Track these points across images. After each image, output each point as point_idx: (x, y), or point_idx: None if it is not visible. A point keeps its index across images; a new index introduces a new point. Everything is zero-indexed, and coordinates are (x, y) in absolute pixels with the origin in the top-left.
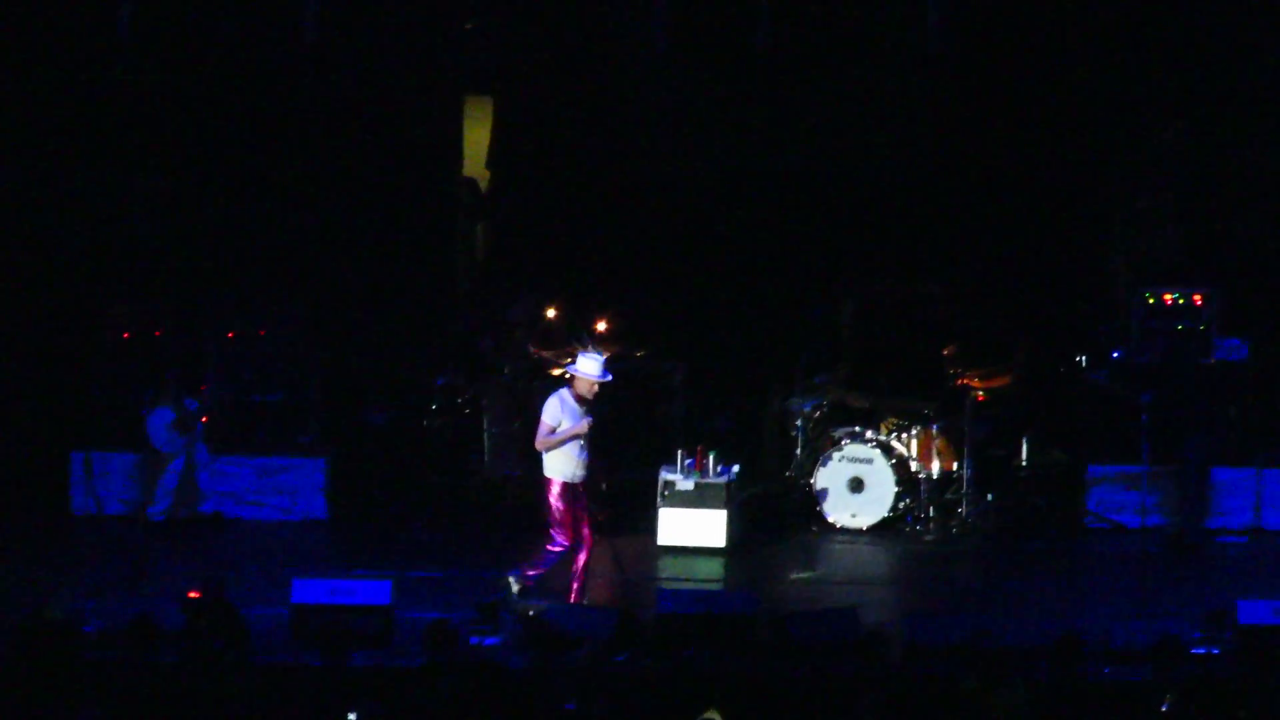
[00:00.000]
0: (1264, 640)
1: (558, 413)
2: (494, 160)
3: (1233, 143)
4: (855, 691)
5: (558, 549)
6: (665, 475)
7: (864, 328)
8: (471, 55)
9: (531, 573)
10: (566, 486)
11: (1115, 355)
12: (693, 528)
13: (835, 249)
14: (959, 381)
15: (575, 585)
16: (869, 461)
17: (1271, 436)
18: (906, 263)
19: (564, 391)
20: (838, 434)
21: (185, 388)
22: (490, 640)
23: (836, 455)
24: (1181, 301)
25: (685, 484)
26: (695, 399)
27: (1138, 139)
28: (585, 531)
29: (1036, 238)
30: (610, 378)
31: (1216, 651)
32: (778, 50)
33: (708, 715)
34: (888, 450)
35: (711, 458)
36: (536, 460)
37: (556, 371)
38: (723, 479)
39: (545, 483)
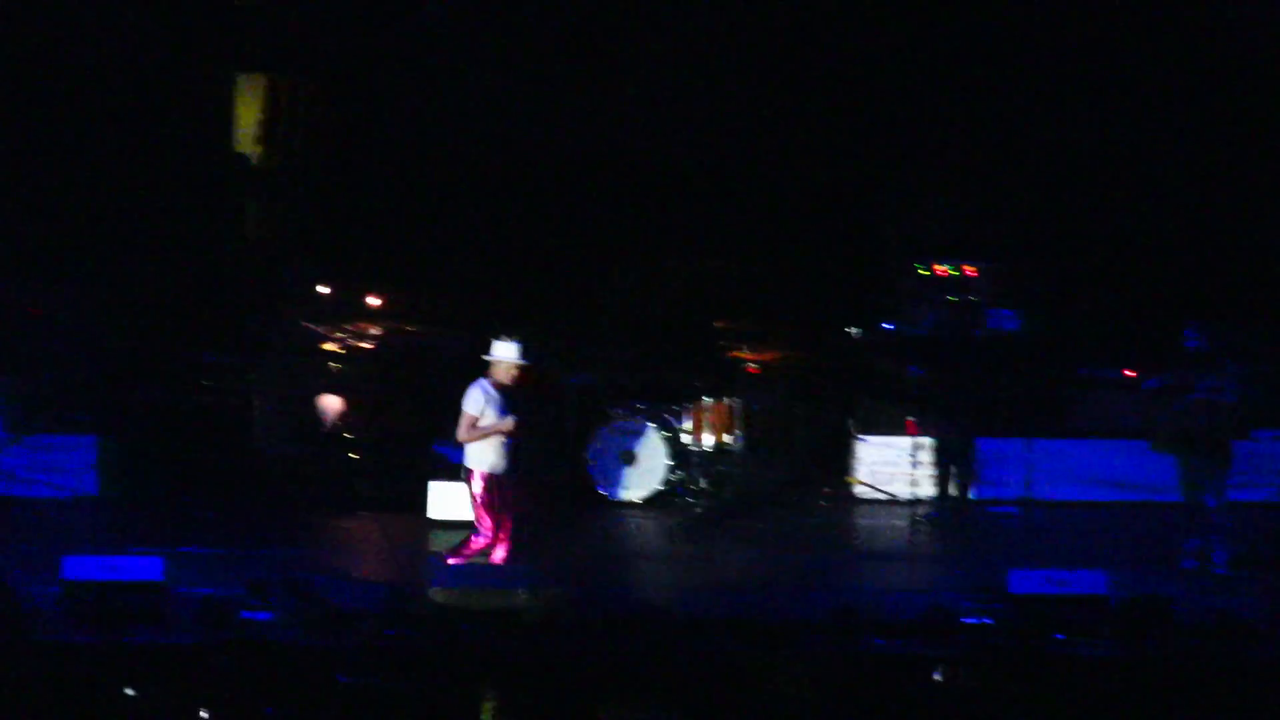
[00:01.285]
0: (1035, 609)
1: (481, 402)
2: (266, 136)
3: (1002, 114)
4: (632, 668)
5: (482, 541)
6: (438, 449)
7: (638, 302)
8: (243, 31)
9: (451, 560)
10: (489, 478)
11: (888, 327)
12: (464, 501)
13: (611, 225)
14: (732, 354)
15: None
16: (641, 434)
17: (1042, 407)
18: (680, 238)
19: (483, 380)
20: (611, 408)
21: None
22: (263, 616)
23: (609, 428)
24: (954, 273)
25: (457, 457)
26: (470, 373)
27: (908, 113)
28: (507, 525)
29: (809, 212)
30: (529, 361)
31: (988, 622)
32: (560, 27)
33: None
34: (660, 423)
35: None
36: (308, 437)
37: (328, 346)
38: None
39: (466, 474)
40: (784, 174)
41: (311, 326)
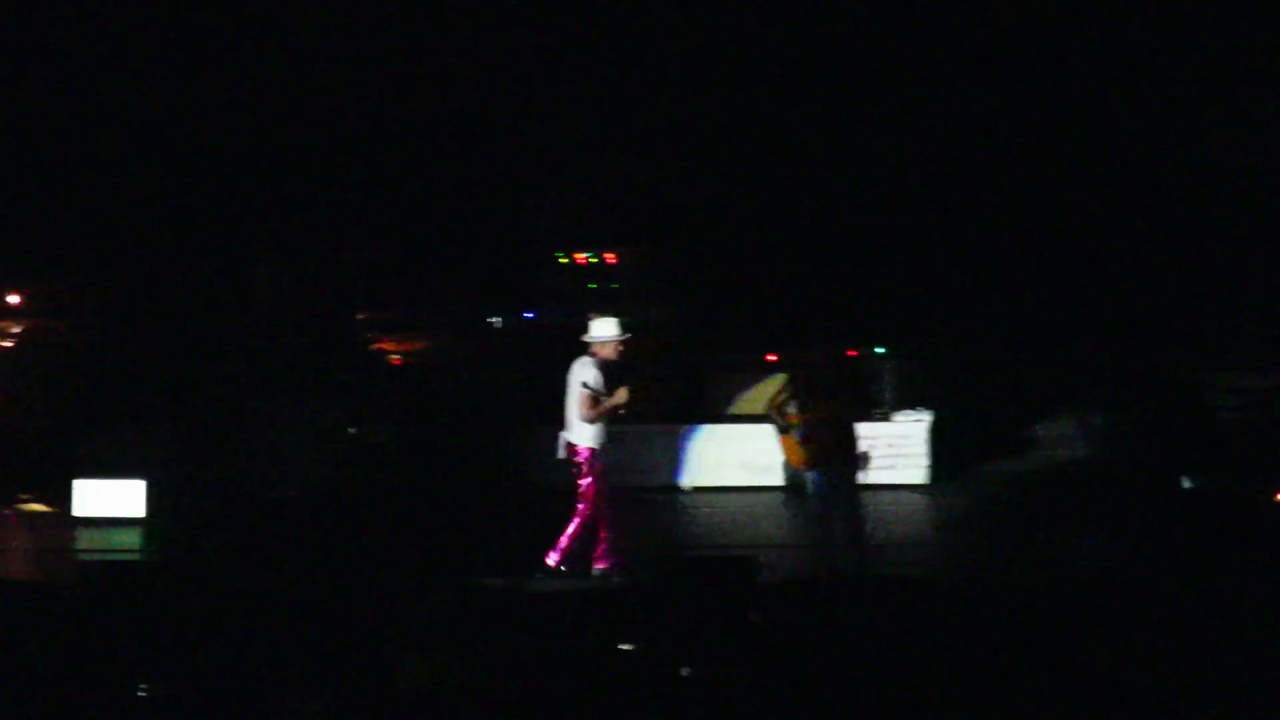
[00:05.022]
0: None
1: (598, 377)
2: None
3: (641, 101)
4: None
5: (580, 523)
6: (86, 444)
7: (279, 294)
8: None
9: (553, 558)
10: (597, 453)
11: (529, 316)
12: (111, 498)
13: (248, 217)
14: (376, 346)
15: (607, 558)
16: (295, 427)
17: (686, 393)
18: (319, 230)
19: (588, 359)
20: (262, 402)
21: None
22: None
23: (265, 422)
24: (594, 261)
25: (105, 452)
26: (120, 367)
27: (545, 104)
28: (607, 498)
29: (449, 201)
30: (629, 335)
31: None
32: (200, 22)
33: None
34: (315, 415)
35: (138, 426)
36: None
37: None
38: (145, 447)
39: (576, 452)
40: (424, 163)
41: None
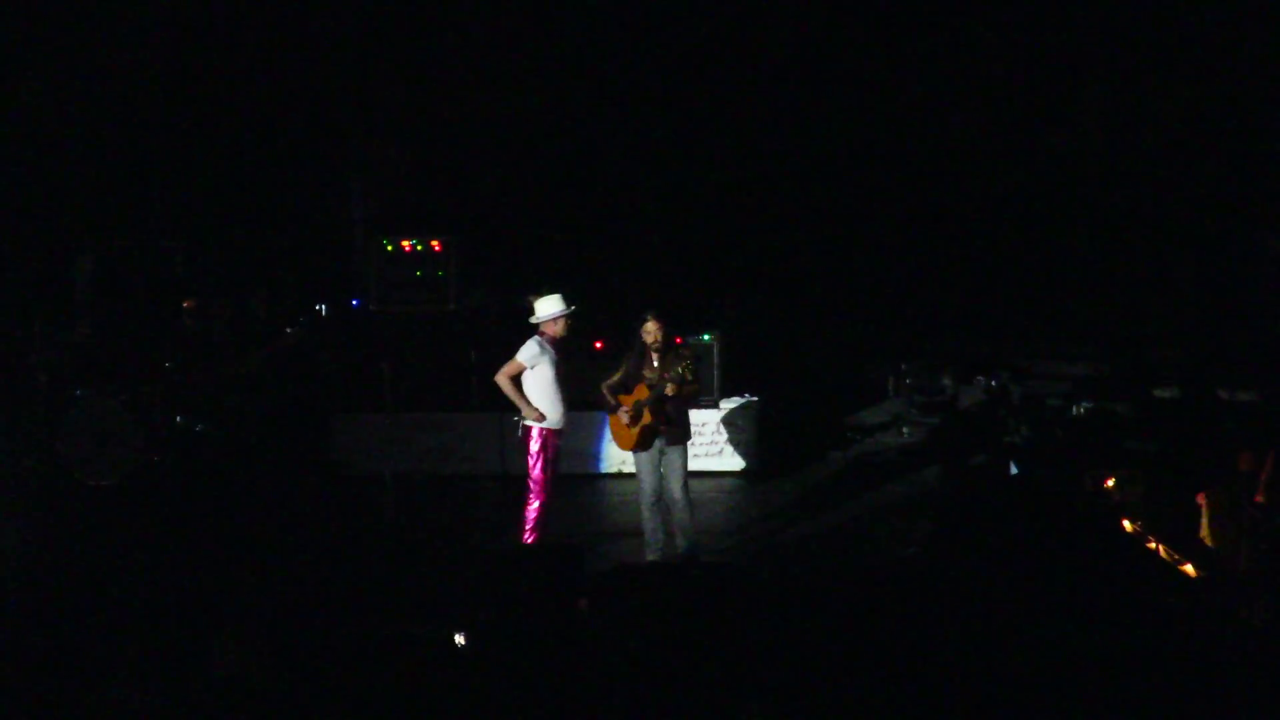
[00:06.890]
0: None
1: (536, 354)
2: None
3: (458, 91)
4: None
5: (538, 502)
6: None
7: (103, 283)
8: None
9: (528, 539)
10: (546, 433)
11: (355, 304)
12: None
13: (70, 204)
14: (199, 332)
15: (535, 535)
16: (113, 415)
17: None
18: (141, 217)
19: (534, 339)
20: (79, 391)
21: None
22: None
23: (79, 411)
24: (420, 248)
25: None
26: None
27: (368, 88)
28: (552, 482)
29: (273, 187)
30: (574, 307)
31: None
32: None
33: None
34: (133, 404)
35: None
36: None
37: None
38: None
39: (524, 430)
40: (246, 151)
41: None
